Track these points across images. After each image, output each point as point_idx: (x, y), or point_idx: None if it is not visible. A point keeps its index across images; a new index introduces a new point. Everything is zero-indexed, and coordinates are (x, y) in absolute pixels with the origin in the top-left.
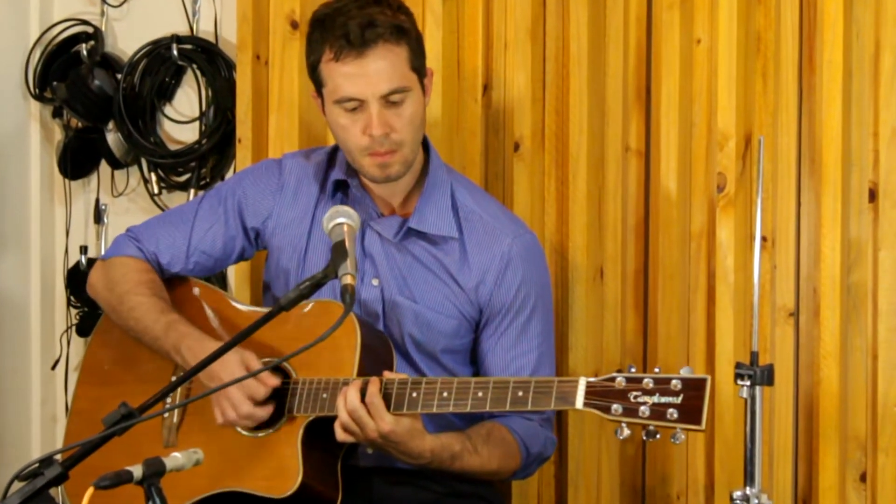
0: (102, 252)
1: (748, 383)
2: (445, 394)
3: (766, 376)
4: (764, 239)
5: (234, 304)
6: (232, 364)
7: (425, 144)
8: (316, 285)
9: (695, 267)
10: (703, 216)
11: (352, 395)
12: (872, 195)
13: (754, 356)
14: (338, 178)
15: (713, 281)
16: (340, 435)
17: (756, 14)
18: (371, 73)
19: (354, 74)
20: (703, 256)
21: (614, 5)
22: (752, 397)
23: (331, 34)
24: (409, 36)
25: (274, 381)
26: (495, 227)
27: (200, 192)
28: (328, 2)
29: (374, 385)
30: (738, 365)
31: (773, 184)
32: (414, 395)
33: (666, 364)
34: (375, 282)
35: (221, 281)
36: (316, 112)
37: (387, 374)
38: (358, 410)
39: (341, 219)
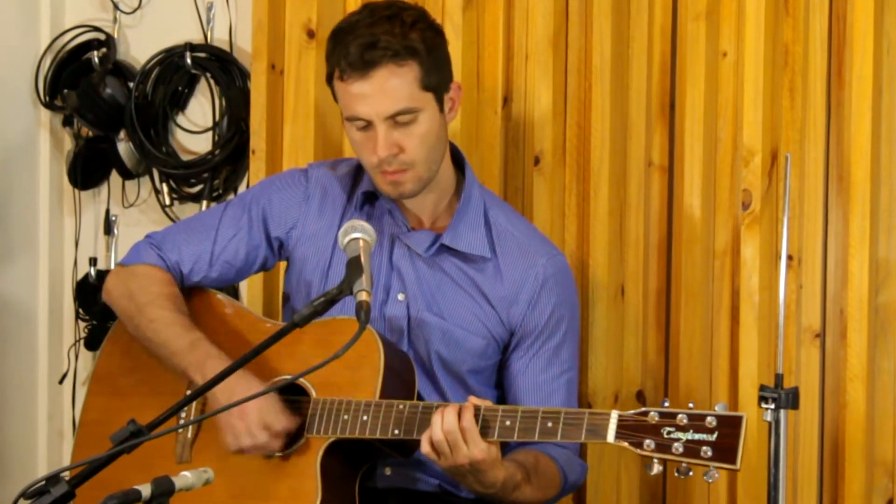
0: (112, 264)
1: (772, 406)
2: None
3: (790, 399)
4: (790, 258)
5: (254, 317)
6: (253, 387)
7: (459, 161)
8: (330, 301)
9: (718, 286)
10: (728, 234)
11: (450, 416)
12: None
13: (779, 378)
14: (367, 189)
15: (737, 300)
16: (426, 448)
17: (784, 27)
18: (374, 94)
19: (359, 95)
20: (727, 275)
21: (638, 16)
22: (777, 421)
23: (337, 52)
24: (418, 55)
25: (295, 422)
26: (529, 248)
27: (212, 205)
28: (353, 11)
29: (469, 411)
30: (762, 387)
31: (799, 201)
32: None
33: (688, 385)
34: (401, 297)
35: (234, 292)
36: (332, 123)
37: (473, 400)
38: (455, 433)
39: (357, 234)
